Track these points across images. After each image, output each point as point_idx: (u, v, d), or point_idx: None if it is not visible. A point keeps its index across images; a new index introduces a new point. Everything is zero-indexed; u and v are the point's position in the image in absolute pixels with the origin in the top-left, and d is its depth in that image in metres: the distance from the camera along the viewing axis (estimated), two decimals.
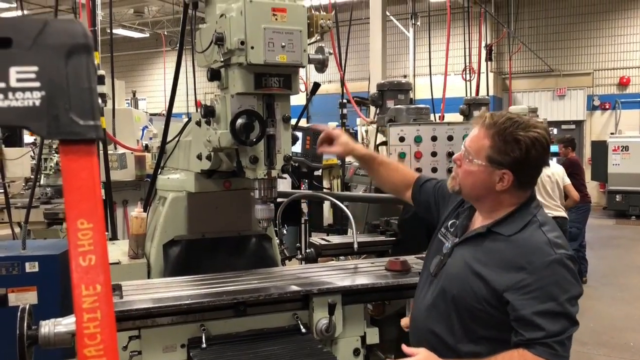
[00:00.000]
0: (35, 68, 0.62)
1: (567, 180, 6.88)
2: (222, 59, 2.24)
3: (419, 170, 3.61)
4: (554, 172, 6.74)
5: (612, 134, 15.72)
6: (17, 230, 5.24)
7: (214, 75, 2.33)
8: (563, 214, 6.67)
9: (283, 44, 2.16)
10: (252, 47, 2.13)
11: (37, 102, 0.62)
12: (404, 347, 1.81)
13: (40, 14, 17.64)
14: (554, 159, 8.15)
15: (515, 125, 1.80)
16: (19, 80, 0.62)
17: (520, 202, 1.88)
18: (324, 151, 2.45)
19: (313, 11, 2.35)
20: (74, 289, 0.62)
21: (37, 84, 0.62)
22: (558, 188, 6.71)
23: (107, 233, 3.66)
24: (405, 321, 2.26)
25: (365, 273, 2.65)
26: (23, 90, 0.62)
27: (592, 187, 13.90)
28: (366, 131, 9.63)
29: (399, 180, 2.41)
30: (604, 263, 9.04)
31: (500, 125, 1.81)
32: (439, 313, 1.91)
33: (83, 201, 0.62)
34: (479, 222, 1.95)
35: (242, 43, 2.12)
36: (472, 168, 1.86)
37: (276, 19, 2.15)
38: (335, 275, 2.59)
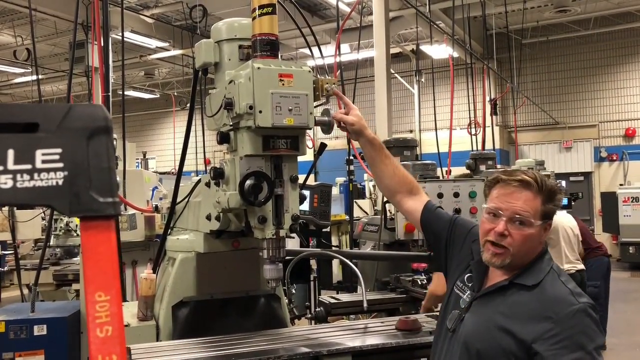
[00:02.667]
0: (59, 150, 0.67)
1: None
2: (231, 123, 2.31)
3: None
4: (570, 225, 6.66)
5: (621, 185, 15.70)
6: (26, 292, 5.24)
7: (223, 138, 2.40)
8: (582, 266, 6.58)
9: (290, 107, 2.22)
10: (260, 111, 2.19)
11: (60, 182, 0.66)
12: None
13: (54, 78, 18.22)
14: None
15: (544, 177, 1.91)
16: (44, 161, 0.67)
17: (539, 250, 1.92)
18: (339, 117, 2.38)
19: (319, 75, 2.44)
20: (91, 359, 0.64)
21: (60, 165, 0.66)
22: (577, 241, 6.64)
23: None
24: None
25: (375, 333, 2.62)
26: (48, 170, 0.66)
27: (605, 239, 13.75)
28: (374, 186, 9.69)
29: (401, 180, 2.36)
30: (622, 318, 8.82)
31: (540, 180, 1.88)
32: None
33: (101, 274, 0.65)
34: (496, 275, 1.94)
35: (251, 107, 2.19)
36: (531, 231, 1.85)
37: (283, 84, 2.22)
38: (344, 335, 2.57)
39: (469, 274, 2.04)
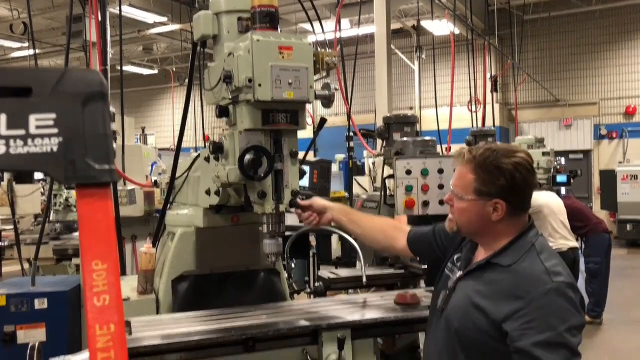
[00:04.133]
0: (53, 115, 0.65)
1: None
2: (230, 96, 2.28)
3: (425, 203, 3.61)
4: (556, 201, 6.66)
5: (620, 163, 15.69)
6: (26, 266, 5.26)
7: (222, 112, 2.37)
8: (575, 244, 6.60)
9: (290, 81, 2.19)
10: (260, 85, 2.16)
11: (55, 148, 0.65)
12: None
13: (51, 53, 18.04)
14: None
15: (495, 153, 1.84)
16: (38, 127, 0.65)
17: (518, 230, 1.88)
18: (318, 222, 2.51)
19: (319, 48, 2.40)
20: (89, 328, 0.63)
21: (55, 130, 0.65)
22: (565, 218, 6.63)
23: None
24: None
25: (374, 307, 2.64)
26: (42, 136, 0.65)
27: (603, 217, 13.79)
28: (373, 163, 9.66)
29: (382, 227, 2.49)
30: (618, 294, 8.87)
31: (480, 157, 1.85)
32: (446, 347, 1.91)
33: (98, 243, 0.64)
34: (481, 254, 1.96)
35: (250, 80, 2.16)
36: (463, 205, 1.89)
37: (283, 57, 2.19)
38: (344, 309, 2.58)
39: (458, 255, 2.06)
